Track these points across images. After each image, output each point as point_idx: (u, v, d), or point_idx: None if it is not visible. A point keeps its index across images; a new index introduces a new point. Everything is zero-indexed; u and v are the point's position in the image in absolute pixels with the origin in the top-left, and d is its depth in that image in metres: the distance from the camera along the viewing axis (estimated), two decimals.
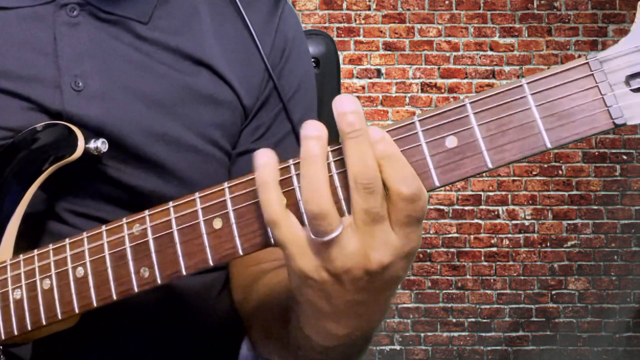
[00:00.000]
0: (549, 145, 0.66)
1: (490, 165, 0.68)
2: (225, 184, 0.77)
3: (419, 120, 0.70)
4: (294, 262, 0.72)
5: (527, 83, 0.67)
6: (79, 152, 0.89)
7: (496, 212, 4.48)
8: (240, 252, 0.76)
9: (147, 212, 0.80)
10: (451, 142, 0.69)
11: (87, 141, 0.90)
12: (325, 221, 0.69)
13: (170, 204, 0.79)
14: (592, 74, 0.65)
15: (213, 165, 1.01)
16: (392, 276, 0.72)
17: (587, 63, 0.66)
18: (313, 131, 0.70)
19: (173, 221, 0.78)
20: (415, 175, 0.69)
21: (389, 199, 0.69)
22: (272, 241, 0.74)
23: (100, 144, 0.90)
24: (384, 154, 0.68)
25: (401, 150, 0.70)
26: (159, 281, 0.79)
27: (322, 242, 0.70)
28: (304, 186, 0.70)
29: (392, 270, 0.71)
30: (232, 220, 0.76)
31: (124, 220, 0.81)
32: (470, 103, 0.68)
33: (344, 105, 0.68)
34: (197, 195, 0.78)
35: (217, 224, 0.76)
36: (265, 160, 0.72)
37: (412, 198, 0.68)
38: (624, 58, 0.64)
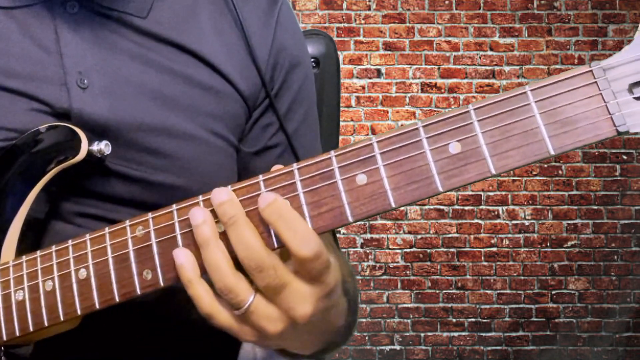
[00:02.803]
0: (552, 152, 0.66)
1: (493, 172, 0.68)
2: (228, 189, 0.77)
3: (423, 126, 0.70)
4: (236, 336, 0.78)
5: (531, 90, 0.67)
6: (82, 154, 0.89)
7: (496, 212, 4.48)
8: None
9: (150, 215, 0.80)
10: (455, 148, 0.69)
11: (90, 143, 0.90)
12: (232, 294, 0.73)
13: (174, 206, 0.79)
14: (596, 82, 0.65)
15: (219, 156, 1.01)
16: (321, 316, 0.78)
17: (591, 71, 0.66)
18: (197, 219, 0.75)
19: (177, 225, 0.78)
20: (313, 233, 0.73)
21: (292, 258, 0.73)
22: (275, 244, 0.74)
23: (103, 146, 0.90)
24: (272, 217, 0.72)
25: (405, 157, 0.70)
26: (161, 283, 0.79)
27: (242, 315, 0.75)
28: (206, 267, 0.74)
29: (318, 313, 0.76)
30: None
31: (127, 222, 0.81)
32: (474, 109, 0.69)
33: (216, 198, 0.73)
34: (200, 198, 0.78)
35: (220, 227, 0.76)
36: (182, 261, 0.76)
37: (313, 258, 0.72)
38: (627, 66, 0.64)
